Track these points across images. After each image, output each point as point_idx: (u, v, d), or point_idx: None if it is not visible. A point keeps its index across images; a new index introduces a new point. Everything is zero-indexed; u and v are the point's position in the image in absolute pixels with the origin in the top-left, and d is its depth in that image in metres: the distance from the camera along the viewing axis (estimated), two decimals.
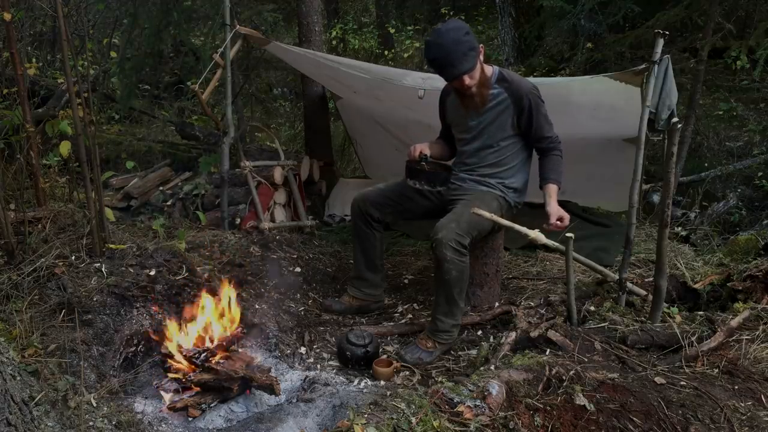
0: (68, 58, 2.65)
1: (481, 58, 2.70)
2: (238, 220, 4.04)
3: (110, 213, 3.02)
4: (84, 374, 2.13)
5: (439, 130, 3.20)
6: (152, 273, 2.74)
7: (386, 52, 10.27)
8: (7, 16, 2.81)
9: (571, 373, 2.05)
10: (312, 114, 5.03)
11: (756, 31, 4.76)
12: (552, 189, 2.81)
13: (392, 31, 10.86)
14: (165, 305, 2.65)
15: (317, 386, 2.23)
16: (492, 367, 2.18)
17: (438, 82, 2.88)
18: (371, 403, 1.94)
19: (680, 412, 1.91)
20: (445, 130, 3.12)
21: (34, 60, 6.57)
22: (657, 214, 3.29)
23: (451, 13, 9.89)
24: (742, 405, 1.95)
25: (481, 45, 2.68)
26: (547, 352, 2.29)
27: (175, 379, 2.26)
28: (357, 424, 1.79)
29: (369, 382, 2.40)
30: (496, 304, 3.09)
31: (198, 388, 2.20)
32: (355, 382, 2.41)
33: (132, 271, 2.73)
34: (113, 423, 1.91)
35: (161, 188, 4.45)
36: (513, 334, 2.44)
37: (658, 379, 2.07)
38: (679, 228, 4.22)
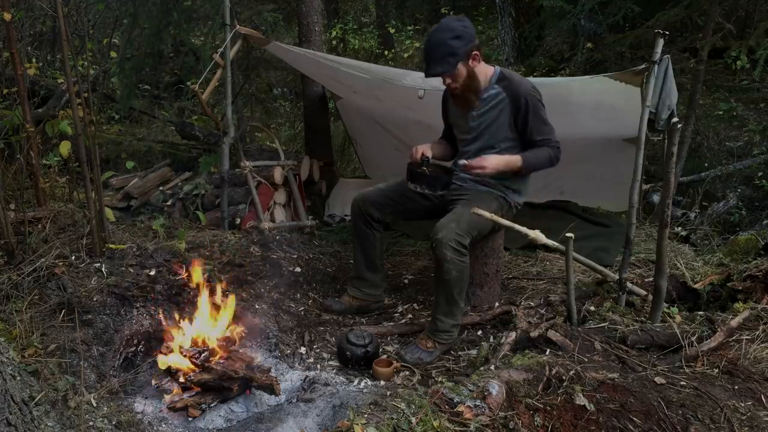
0: (68, 58, 2.65)
1: (472, 63, 2.69)
2: (238, 220, 4.04)
3: (110, 213, 3.02)
4: (84, 374, 2.13)
5: (440, 129, 3.20)
6: (152, 273, 2.74)
7: (386, 52, 10.27)
8: (7, 16, 2.81)
9: (571, 373, 2.05)
10: (312, 114, 5.03)
11: (756, 31, 4.77)
12: (514, 156, 2.75)
13: (392, 31, 10.86)
14: (165, 305, 2.66)
15: (317, 386, 2.23)
16: (492, 367, 2.18)
17: (438, 81, 2.88)
18: (371, 403, 1.94)
19: (680, 412, 1.91)
20: (447, 131, 3.12)
21: (34, 60, 6.57)
22: (657, 214, 3.29)
23: (451, 13, 9.89)
24: (742, 405, 1.95)
25: (475, 52, 2.66)
26: (547, 352, 2.29)
27: (175, 380, 2.26)
28: (357, 424, 1.79)
29: (369, 382, 2.40)
30: (496, 304, 3.09)
31: (198, 388, 2.20)
32: (355, 382, 2.41)
33: (132, 271, 2.73)
34: (113, 423, 1.91)
35: (161, 188, 4.45)
36: (513, 334, 2.44)
37: (658, 379, 2.07)
38: (679, 228, 4.22)
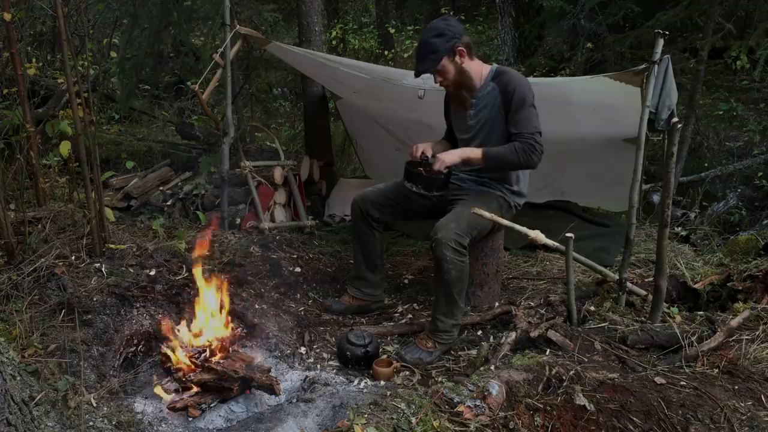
0: (68, 58, 2.65)
1: (459, 59, 2.71)
2: (238, 220, 4.04)
3: (110, 213, 3.02)
4: (84, 374, 2.13)
5: (440, 129, 3.20)
6: (152, 273, 2.74)
7: (386, 52, 10.28)
8: (7, 16, 2.82)
9: (571, 373, 2.05)
10: (312, 114, 5.03)
11: (756, 31, 4.77)
12: (476, 149, 2.73)
13: (392, 31, 10.87)
14: (165, 305, 2.66)
15: (317, 386, 2.23)
16: (492, 367, 2.18)
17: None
18: (371, 403, 1.94)
19: (680, 412, 1.91)
20: (449, 131, 3.13)
21: (34, 60, 6.57)
22: (657, 214, 3.29)
23: (451, 13, 9.90)
24: (742, 405, 1.95)
25: (460, 47, 2.69)
26: (547, 352, 2.29)
27: (175, 379, 2.26)
28: (357, 424, 1.79)
29: (369, 382, 2.40)
30: (496, 304, 3.09)
31: (198, 388, 2.20)
32: (355, 382, 2.41)
33: (132, 271, 2.73)
34: (113, 423, 1.91)
35: (161, 188, 4.45)
36: (513, 334, 2.44)
37: (658, 379, 2.07)
38: (679, 228, 4.22)
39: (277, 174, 4.21)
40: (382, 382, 2.39)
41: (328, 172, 5.00)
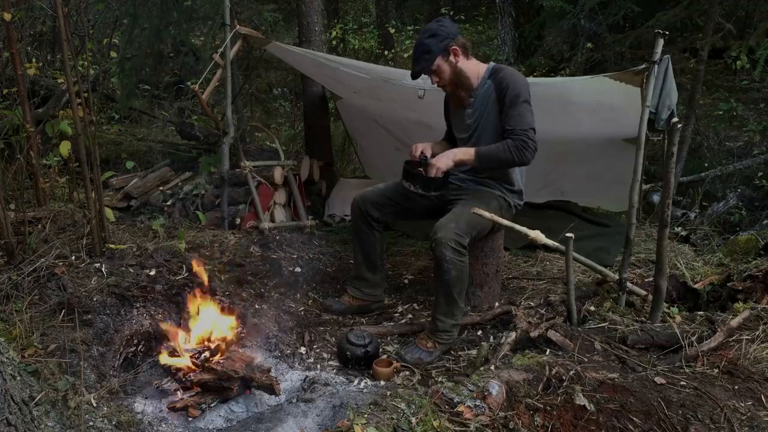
0: (68, 58, 2.65)
1: (454, 59, 2.72)
2: (238, 220, 4.04)
3: (110, 213, 3.02)
4: (84, 374, 2.13)
5: (440, 129, 3.20)
6: (152, 273, 2.74)
7: (386, 52, 10.28)
8: (7, 16, 2.82)
9: (571, 373, 2.05)
10: (312, 114, 5.03)
11: (756, 31, 4.77)
12: (468, 149, 2.73)
13: (392, 31, 10.87)
14: (165, 305, 2.66)
15: (317, 386, 2.23)
16: (492, 367, 2.18)
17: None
18: (371, 403, 1.94)
19: (680, 412, 1.91)
20: (448, 131, 3.13)
21: (34, 60, 6.57)
22: (657, 214, 3.29)
23: (451, 12, 9.90)
24: (742, 405, 1.95)
25: (454, 47, 2.70)
26: (547, 352, 2.29)
27: (176, 379, 2.26)
28: (357, 424, 1.79)
29: (369, 382, 2.40)
30: (496, 304, 3.09)
31: (198, 388, 2.20)
32: (355, 382, 2.41)
33: (132, 271, 2.73)
34: (113, 423, 1.91)
35: (161, 188, 4.45)
36: (513, 334, 2.44)
37: (658, 379, 2.07)
38: (679, 228, 4.22)
39: (277, 174, 4.21)
40: (382, 382, 2.39)
41: (328, 172, 5.00)
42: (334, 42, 10.59)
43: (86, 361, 2.21)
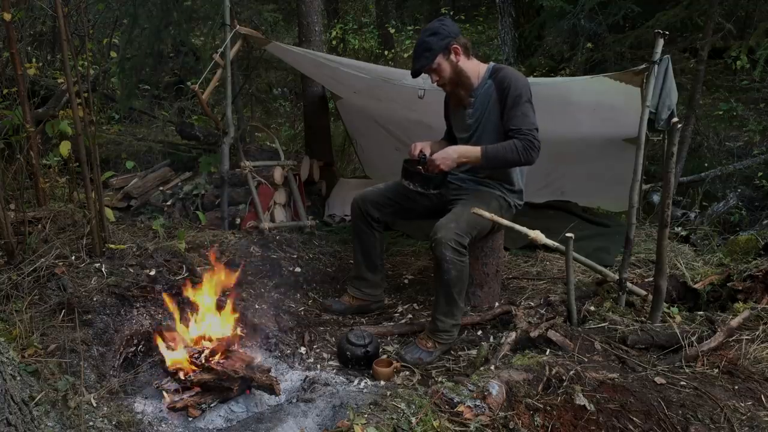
0: (68, 58, 2.65)
1: (455, 58, 2.72)
2: (238, 220, 4.04)
3: (110, 213, 3.02)
4: (84, 374, 2.13)
5: (440, 129, 3.20)
6: (152, 273, 2.74)
7: (386, 52, 10.28)
8: (7, 16, 2.82)
9: (571, 373, 2.05)
10: (312, 114, 5.03)
11: (756, 31, 4.77)
12: (473, 148, 2.70)
13: (392, 31, 10.87)
14: (165, 305, 2.65)
15: (317, 386, 2.23)
16: (492, 367, 2.18)
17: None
18: (371, 403, 1.94)
19: (680, 412, 1.91)
20: (448, 131, 3.13)
21: (34, 60, 6.57)
22: (657, 214, 3.29)
23: (451, 13, 9.90)
24: (742, 405, 1.95)
25: (455, 46, 2.70)
26: (547, 352, 2.29)
27: (176, 379, 2.25)
28: (357, 424, 1.79)
29: (369, 382, 2.40)
30: (496, 304, 3.09)
31: (198, 388, 2.20)
32: (355, 382, 2.41)
33: (132, 271, 2.73)
34: (113, 423, 1.91)
35: (161, 188, 4.45)
36: (513, 334, 2.44)
37: (658, 379, 2.07)
38: (679, 228, 4.22)
39: (277, 174, 4.21)
40: (382, 382, 2.39)
41: (328, 172, 5.00)
42: (334, 42, 10.59)
43: (86, 361, 2.21)
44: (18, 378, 1.69)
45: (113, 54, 6.05)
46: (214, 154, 4.41)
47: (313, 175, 4.69)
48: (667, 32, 2.51)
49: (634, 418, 1.90)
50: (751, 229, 4.23)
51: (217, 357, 2.26)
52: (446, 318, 2.67)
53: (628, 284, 2.68)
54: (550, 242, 2.56)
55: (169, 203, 4.31)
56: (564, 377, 2.03)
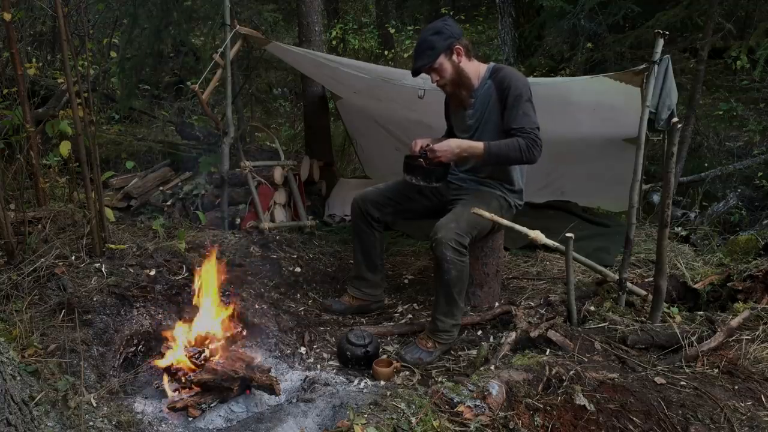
0: (68, 58, 2.65)
1: (457, 58, 2.72)
2: (238, 220, 4.04)
3: (110, 213, 3.02)
4: (84, 374, 2.13)
5: (440, 129, 3.20)
6: (152, 273, 2.74)
7: (386, 52, 10.28)
8: (7, 16, 2.82)
9: (571, 373, 2.05)
10: (312, 114, 5.03)
11: (756, 31, 4.77)
12: (476, 144, 2.67)
13: (392, 31, 10.87)
14: (165, 305, 2.65)
15: (317, 386, 2.23)
16: (492, 367, 2.18)
17: None
18: (371, 403, 1.94)
19: (680, 412, 1.91)
20: (449, 131, 3.12)
21: (34, 60, 6.57)
22: (657, 214, 3.29)
23: (451, 12, 9.90)
24: (742, 405, 1.95)
25: (458, 46, 2.70)
26: (547, 352, 2.29)
27: (175, 380, 2.26)
28: (357, 424, 1.79)
29: (369, 382, 2.40)
30: (496, 304, 3.09)
31: (198, 388, 2.20)
32: (355, 382, 2.41)
33: (132, 271, 2.73)
34: (113, 423, 1.91)
35: (161, 188, 4.45)
36: (513, 334, 2.44)
37: (658, 379, 2.07)
38: (679, 228, 4.22)
39: (277, 174, 4.21)
40: (382, 382, 2.39)
41: (328, 172, 5.00)
42: (334, 42, 10.59)
43: (86, 361, 2.21)
44: (18, 378, 1.69)
45: (113, 54, 6.04)
46: (214, 154, 4.41)
47: (313, 175, 4.69)
48: (667, 32, 2.51)
49: (634, 418, 1.90)
50: (751, 229, 4.22)
51: (217, 357, 2.26)
52: (446, 318, 2.67)
53: (628, 284, 2.68)
54: (550, 242, 2.56)
55: (169, 203, 4.31)
56: (564, 377, 2.03)
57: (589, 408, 1.91)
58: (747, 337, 2.32)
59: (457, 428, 1.83)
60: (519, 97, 2.66)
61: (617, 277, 2.68)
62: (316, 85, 4.88)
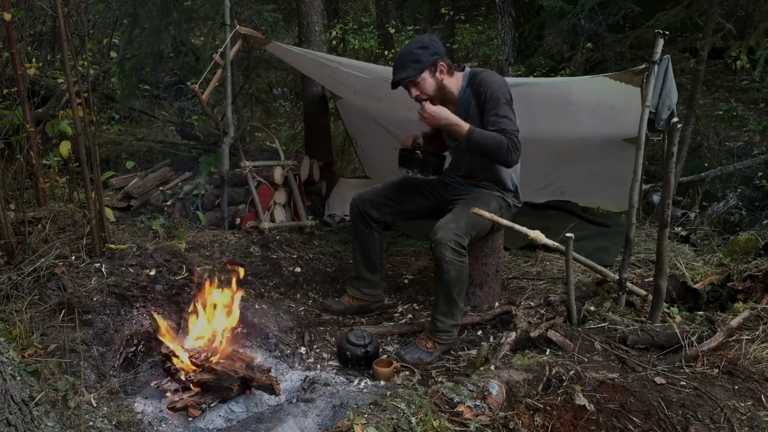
0: (68, 58, 2.65)
1: (440, 75, 2.71)
2: (238, 220, 4.04)
3: (110, 213, 3.02)
4: (84, 374, 2.13)
5: None
6: (152, 273, 2.74)
7: (386, 52, 10.27)
8: (7, 16, 2.82)
9: (571, 373, 2.05)
10: (312, 114, 5.03)
11: (756, 31, 4.77)
12: (464, 123, 2.62)
13: (392, 31, 10.87)
14: (165, 305, 2.65)
15: (317, 386, 2.23)
16: (492, 367, 2.18)
17: None
18: (371, 403, 1.94)
19: (680, 412, 1.91)
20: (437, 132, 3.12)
21: (34, 60, 6.57)
22: (657, 214, 3.29)
23: (451, 12, 9.90)
24: (742, 405, 1.95)
25: (442, 63, 2.69)
26: (547, 352, 2.29)
27: (176, 380, 2.25)
28: (357, 424, 1.79)
29: (369, 382, 2.40)
30: (496, 304, 3.09)
31: (198, 388, 2.20)
32: (355, 382, 2.41)
33: (132, 271, 2.73)
34: (113, 423, 1.91)
35: (161, 188, 4.44)
36: (513, 334, 2.44)
37: (658, 379, 2.07)
38: (679, 228, 4.22)
39: (277, 174, 4.21)
40: (382, 382, 2.39)
41: (328, 172, 5.00)
42: (334, 42, 10.59)
43: (86, 361, 2.21)
44: (18, 378, 1.69)
45: (113, 54, 6.05)
46: (214, 154, 4.41)
47: (313, 175, 4.69)
48: (667, 32, 2.51)
49: (634, 418, 1.90)
50: (751, 229, 4.22)
51: (217, 357, 2.26)
52: (446, 318, 2.67)
53: (628, 284, 2.68)
54: (550, 242, 2.56)
55: (169, 203, 4.30)
56: (564, 377, 2.03)
57: (589, 408, 1.91)
58: (747, 337, 2.31)
59: (457, 428, 1.83)
60: (496, 100, 2.64)
61: (617, 277, 2.67)
62: (316, 85, 4.88)
